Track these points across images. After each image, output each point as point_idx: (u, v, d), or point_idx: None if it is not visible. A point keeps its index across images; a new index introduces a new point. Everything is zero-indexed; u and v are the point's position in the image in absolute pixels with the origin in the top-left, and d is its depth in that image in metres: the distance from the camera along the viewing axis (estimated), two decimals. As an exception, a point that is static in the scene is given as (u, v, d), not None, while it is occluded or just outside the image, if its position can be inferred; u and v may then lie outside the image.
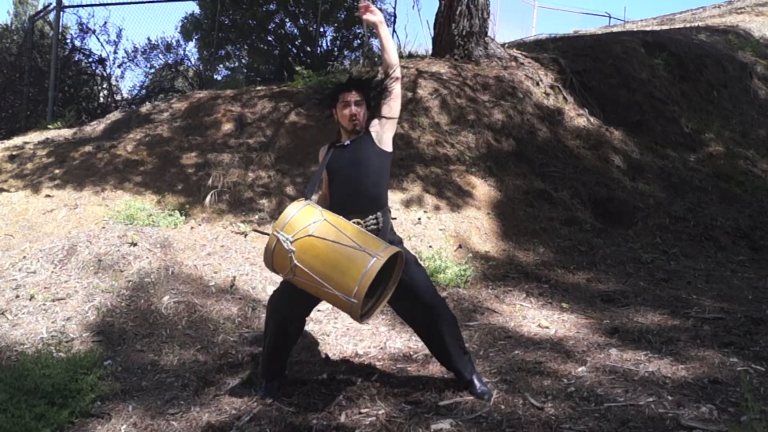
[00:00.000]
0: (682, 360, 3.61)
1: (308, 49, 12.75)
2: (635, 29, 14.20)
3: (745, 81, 10.68)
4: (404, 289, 3.14)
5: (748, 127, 9.65)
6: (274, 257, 2.96)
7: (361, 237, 2.93)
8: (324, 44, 12.95)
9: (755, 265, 6.27)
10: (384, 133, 3.32)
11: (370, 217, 3.17)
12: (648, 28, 14.03)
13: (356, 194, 3.21)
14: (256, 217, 6.12)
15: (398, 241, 3.32)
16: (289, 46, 12.95)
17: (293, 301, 3.24)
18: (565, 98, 8.76)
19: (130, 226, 5.61)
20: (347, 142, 3.30)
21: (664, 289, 5.38)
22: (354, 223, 3.04)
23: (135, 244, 5.20)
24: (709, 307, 4.73)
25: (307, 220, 2.94)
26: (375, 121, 3.32)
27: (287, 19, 12.84)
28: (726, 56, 10.99)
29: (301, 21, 12.79)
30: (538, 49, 10.38)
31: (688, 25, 13.55)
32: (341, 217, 3.02)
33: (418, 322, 3.36)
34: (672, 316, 4.58)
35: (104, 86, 12.18)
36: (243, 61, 13.54)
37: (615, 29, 15.73)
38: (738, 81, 10.59)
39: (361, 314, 2.93)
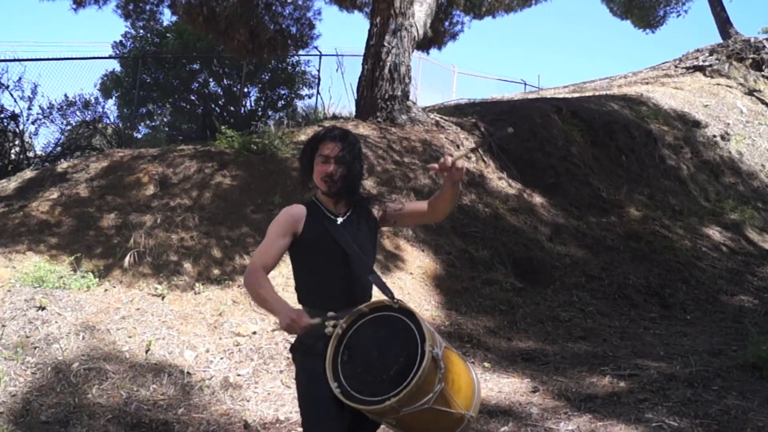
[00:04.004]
0: (600, 417, 3.69)
1: (232, 108, 12.77)
2: (549, 96, 14.95)
3: (650, 147, 11.38)
4: None
5: (655, 190, 10.23)
6: (426, 380, 2.23)
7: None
8: (248, 104, 13.01)
9: (665, 322, 6.55)
10: (387, 217, 2.75)
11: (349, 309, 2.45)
12: (560, 95, 14.80)
13: (359, 281, 2.58)
14: (182, 282, 5.92)
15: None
16: (213, 106, 12.93)
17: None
18: (485, 161, 9.06)
19: (38, 288, 5.33)
20: (340, 219, 2.60)
21: (581, 346, 5.52)
22: (329, 316, 2.40)
23: (43, 308, 4.94)
24: (624, 363, 4.88)
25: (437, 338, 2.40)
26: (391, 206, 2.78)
27: (211, 79, 12.87)
28: (633, 123, 11.69)
29: (225, 81, 12.83)
30: (458, 113, 10.77)
31: (597, 93, 14.38)
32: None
33: None
34: (590, 372, 4.70)
35: (17, 143, 11.71)
36: (165, 119, 13.39)
37: (530, 96, 16.50)
38: (644, 147, 11.27)
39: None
